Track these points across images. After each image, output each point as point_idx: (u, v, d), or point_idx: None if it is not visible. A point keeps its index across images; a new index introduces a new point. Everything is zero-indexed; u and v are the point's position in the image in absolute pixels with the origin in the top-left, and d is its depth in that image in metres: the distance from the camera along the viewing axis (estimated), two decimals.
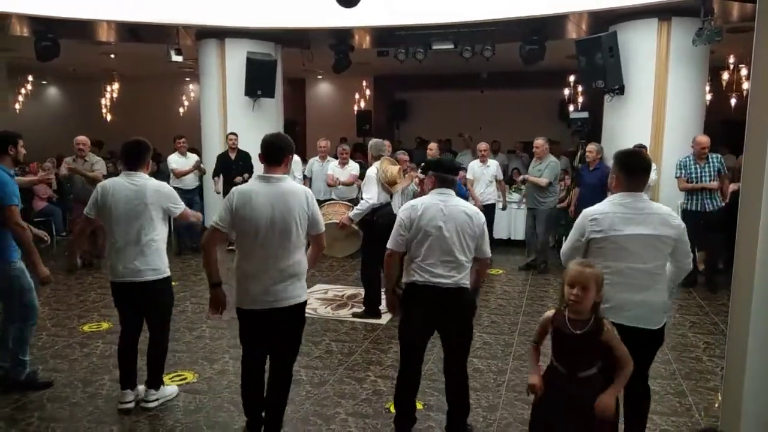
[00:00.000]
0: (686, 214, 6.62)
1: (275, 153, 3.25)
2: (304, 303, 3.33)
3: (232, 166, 8.70)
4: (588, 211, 2.96)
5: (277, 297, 3.20)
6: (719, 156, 6.85)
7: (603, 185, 7.05)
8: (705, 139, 6.79)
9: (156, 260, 3.70)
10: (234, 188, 3.28)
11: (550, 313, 2.66)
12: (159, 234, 3.73)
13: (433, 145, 8.03)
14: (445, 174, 3.42)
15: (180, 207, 3.82)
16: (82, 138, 7.53)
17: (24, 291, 3.97)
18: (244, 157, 8.79)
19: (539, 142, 7.60)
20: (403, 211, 3.40)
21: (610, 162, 7.81)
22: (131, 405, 3.80)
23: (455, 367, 3.42)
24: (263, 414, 3.39)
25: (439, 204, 3.31)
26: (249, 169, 8.84)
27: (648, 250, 2.86)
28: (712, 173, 6.72)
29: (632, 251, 2.85)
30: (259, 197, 3.16)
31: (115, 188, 3.65)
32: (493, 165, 8.10)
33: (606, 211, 2.93)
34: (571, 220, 7.76)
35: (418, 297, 3.32)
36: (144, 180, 3.70)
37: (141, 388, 3.93)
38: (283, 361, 3.35)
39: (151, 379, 3.85)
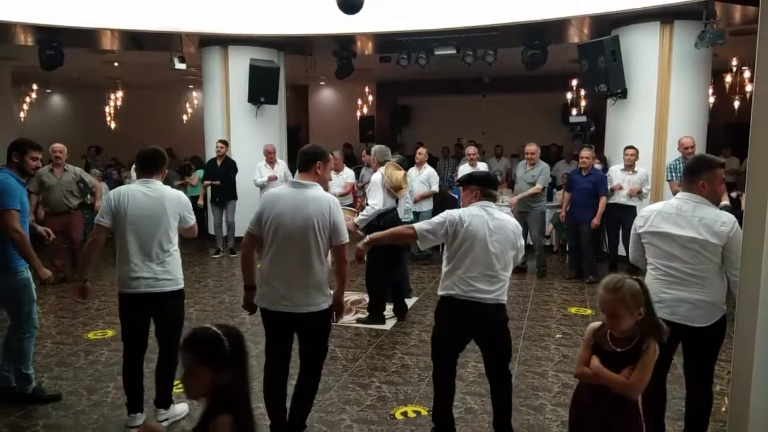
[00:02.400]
0: None
1: (303, 160, 3.35)
2: (324, 311, 3.29)
3: (217, 173, 8.91)
4: (644, 208, 3.37)
5: (293, 302, 3.21)
6: None
7: (596, 190, 7.09)
8: (687, 140, 6.83)
9: (174, 269, 3.59)
10: (265, 192, 3.38)
11: (595, 324, 2.51)
12: (175, 242, 3.64)
13: (422, 150, 8.14)
14: (491, 190, 3.42)
15: (193, 218, 3.74)
16: (59, 146, 6.92)
17: (26, 302, 3.91)
18: (229, 164, 8.98)
19: (532, 147, 7.66)
20: (451, 213, 3.32)
21: (614, 164, 7.87)
22: None
23: (498, 372, 3.41)
24: (287, 417, 3.40)
25: (485, 216, 3.29)
26: (231, 178, 8.91)
27: (687, 251, 2.96)
28: None
29: (669, 250, 3.00)
30: (283, 200, 3.24)
31: (132, 195, 3.52)
32: (482, 168, 8.23)
33: (654, 209, 3.17)
34: (563, 224, 7.83)
35: (456, 311, 3.28)
36: (161, 187, 3.61)
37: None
38: (305, 365, 3.38)
39: (161, 399, 3.69)
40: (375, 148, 6.19)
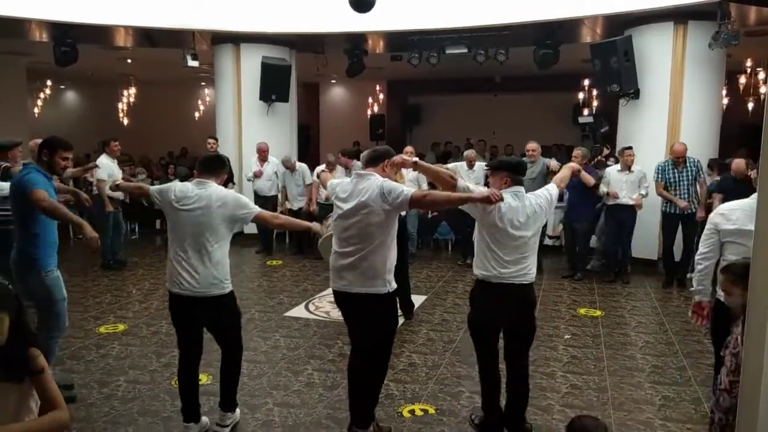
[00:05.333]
0: (666, 216, 7.11)
1: (372, 156, 3.52)
2: (380, 296, 3.30)
3: None
4: (720, 206, 3.36)
5: (347, 282, 3.32)
6: (696, 160, 6.99)
7: (591, 188, 7.08)
8: (679, 148, 6.97)
9: (220, 273, 3.43)
10: (331, 181, 3.66)
11: None
12: (223, 245, 3.47)
13: (408, 149, 8.17)
14: (520, 176, 3.50)
15: (251, 210, 3.53)
16: None
17: (55, 300, 3.82)
18: None
19: (533, 145, 7.68)
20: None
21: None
22: None
23: (520, 361, 3.55)
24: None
25: (519, 206, 3.34)
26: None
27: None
28: (690, 178, 6.89)
29: (746, 245, 3.08)
30: (345, 188, 3.40)
31: (185, 193, 3.46)
32: (478, 168, 8.31)
33: (734, 207, 3.24)
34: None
35: (495, 294, 3.37)
36: (213, 188, 3.48)
37: (205, 420, 3.64)
38: (365, 346, 3.45)
39: (228, 402, 3.63)
40: (363, 154, 6.20)
